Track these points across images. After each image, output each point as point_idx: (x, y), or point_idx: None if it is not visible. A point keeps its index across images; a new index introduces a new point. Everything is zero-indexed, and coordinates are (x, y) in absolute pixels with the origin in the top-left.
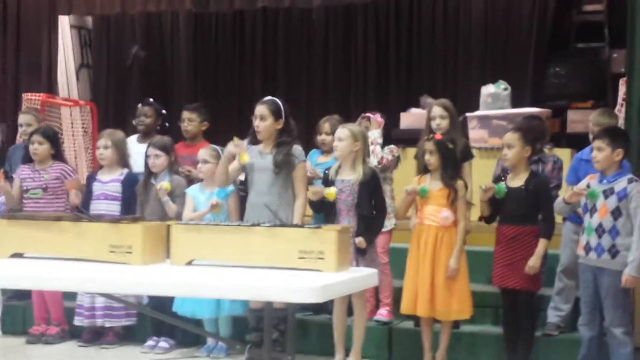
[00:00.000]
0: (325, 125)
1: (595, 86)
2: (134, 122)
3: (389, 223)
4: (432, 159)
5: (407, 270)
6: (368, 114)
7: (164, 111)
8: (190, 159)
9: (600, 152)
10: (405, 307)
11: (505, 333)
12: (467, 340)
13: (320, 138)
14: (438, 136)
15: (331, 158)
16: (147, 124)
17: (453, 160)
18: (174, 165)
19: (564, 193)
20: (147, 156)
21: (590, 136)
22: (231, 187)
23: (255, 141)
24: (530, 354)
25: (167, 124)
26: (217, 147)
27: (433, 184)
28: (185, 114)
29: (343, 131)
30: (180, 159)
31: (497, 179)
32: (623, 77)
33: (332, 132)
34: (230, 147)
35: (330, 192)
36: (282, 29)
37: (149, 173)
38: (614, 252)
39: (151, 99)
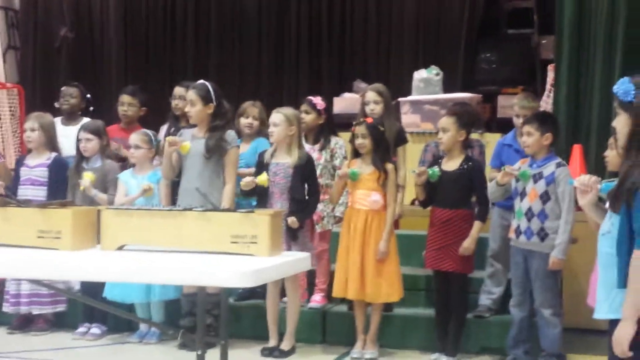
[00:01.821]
0: (254, 109)
1: (525, 72)
2: (56, 104)
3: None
4: (365, 142)
5: (339, 254)
6: (310, 98)
7: (88, 95)
8: (124, 143)
9: (529, 136)
10: (336, 290)
11: (437, 315)
12: (399, 323)
13: (247, 121)
14: (369, 120)
15: (250, 146)
16: (71, 104)
17: (384, 143)
18: (106, 149)
19: (488, 176)
20: (78, 140)
21: (515, 119)
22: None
23: (175, 123)
24: (461, 336)
25: (91, 108)
26: (150, 132)
27: (364, 168)
28: (126, 98)
29: (278, 116)
30: (115, 142)
31: (432, 164)
32: (552, 63)
33: (260, 119)
34: (167, 146)
35: (263, 179)
36: (214, 11)
37: (80, 157)
38: (542, 235)
39: (76, 83)
